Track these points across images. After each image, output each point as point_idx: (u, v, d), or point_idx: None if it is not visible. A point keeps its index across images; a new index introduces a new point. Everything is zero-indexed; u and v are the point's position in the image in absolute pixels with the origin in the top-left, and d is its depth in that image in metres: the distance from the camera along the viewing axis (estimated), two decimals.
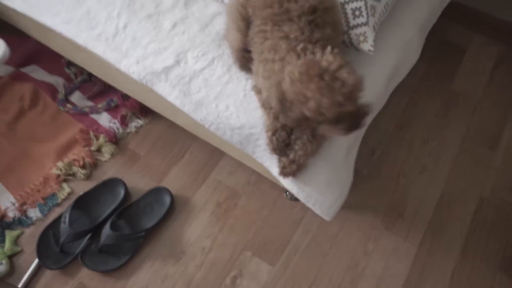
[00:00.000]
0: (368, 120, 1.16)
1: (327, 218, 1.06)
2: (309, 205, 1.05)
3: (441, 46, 1.82)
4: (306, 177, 1.03)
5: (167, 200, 1.38)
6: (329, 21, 0.91)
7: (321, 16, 0.89)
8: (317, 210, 1.05)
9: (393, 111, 1.63)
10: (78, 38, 1.21)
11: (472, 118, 1.64)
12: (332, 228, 1.40)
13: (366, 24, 1.03)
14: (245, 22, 0.99)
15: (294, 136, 0.98)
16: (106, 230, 1.27)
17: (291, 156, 0.98)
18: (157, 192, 1.40)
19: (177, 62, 1.12)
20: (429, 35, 1.42)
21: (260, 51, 0.91)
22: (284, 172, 0.99)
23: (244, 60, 1.03)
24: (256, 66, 0.94)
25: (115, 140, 1.52)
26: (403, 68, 1.28)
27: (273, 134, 0.97)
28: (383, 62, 1.14)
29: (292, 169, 0.98)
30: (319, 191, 1.03)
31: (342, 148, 1.06)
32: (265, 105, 0.97)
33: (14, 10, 1.32)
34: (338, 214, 1.42)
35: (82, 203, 1.35)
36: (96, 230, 1.31)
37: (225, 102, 1.07)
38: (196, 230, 1.38)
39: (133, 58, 1.15)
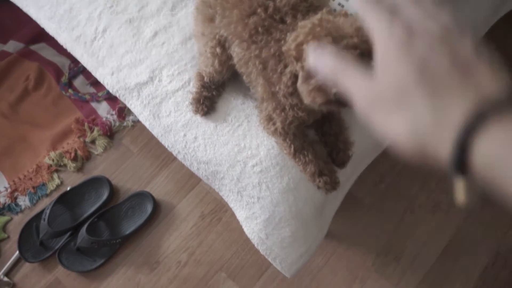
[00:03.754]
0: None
1: (287, 275, 0.96)
2: (269, 259, 0.95)
3: None
4: (269, 228, 0.92)
5: (149, 207, 1.34)
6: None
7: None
8: (277, 265, 0.95)
9: None
10: (58, 37, 1.14)
11: None
12: (317, 261, 1.29)
13: None
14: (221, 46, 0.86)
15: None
16: (82, 233, 1.26)
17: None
18: (140, 197, 1.36)
19: (151, 79, 1.02)
20: None
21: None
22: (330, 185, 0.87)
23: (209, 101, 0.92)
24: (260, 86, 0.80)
25: (110, 133, 1.48)
26: None
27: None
28: None
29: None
30: (281, 246, 0.93)
31: (314, 200, 0.93)
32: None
33: None
34: (326, 245, 1.32)
35: (67, 199, 1.35)
36: (76, 229, 1.31)
37: (194, 132, 0.97)
38: (175, 241, 1.33)
39: (108, 68, 1.06)
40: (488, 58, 0.28)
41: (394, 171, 1.38)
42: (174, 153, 1.01)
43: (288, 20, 0.72)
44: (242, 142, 0.94)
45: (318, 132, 0.91)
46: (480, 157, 0.25)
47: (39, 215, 1.34)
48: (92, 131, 1.47)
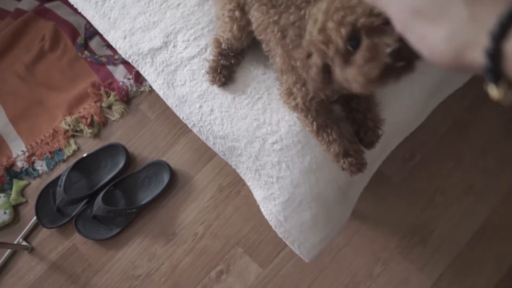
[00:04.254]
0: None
1: (305, 259, 0.90)
2: (287, 242, 0.89)
3: None
4: (288, 211, 0.86)
5: (165, 177, 1.30)
6: None
7: None
8: (295, 249, 0.89)
9: (451, 108, 1.31)
10: None
11: None
12: (338, 240, 1.24)
13: None
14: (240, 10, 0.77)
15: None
16: (98, 201, 1.24)
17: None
18: (157, 166, 1.31)
19: (165, 44, 0.94)
20: None
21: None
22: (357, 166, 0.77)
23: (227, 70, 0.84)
24: (273, 49, 0.72)
25: (127, 98, 1.42)
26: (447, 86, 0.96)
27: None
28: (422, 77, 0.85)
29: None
30: (300, 230, 0.87)
31: (338, 182, 0.86)
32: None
33: None
34: (349, 223, 1.26)
35: (83, 165, 1.32)
36: (92, 196, 1.29)
37: (210, 104, 0.90)
38: (192, 213, 1.30)
39: (121, 31, 0.99)
40: None
41: (426, 147, 1.28)
42: (189, 126, 0.94)
43: None
44: (262, 116, 0.86)
45: (345, 108, 0.81)
46: (510, 58, 0.26)
47: (55, 181, 1.32)
48: (108, 96, 1.42)
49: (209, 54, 0.89)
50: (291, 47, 0.64)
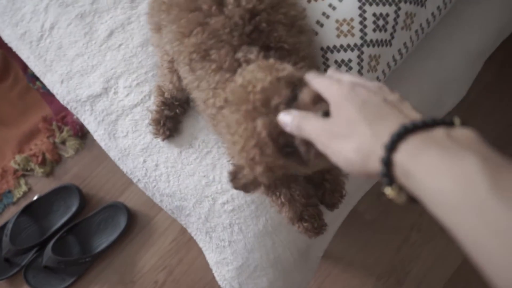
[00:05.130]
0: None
1: None
2: None
3: None
4: (242, 277, 0.78)
5: (122, 220, 1.20)
6: (279, 19, 0.57)
7: (267, 18, 0.56)
8: None
9: None
10: (2, 33, 0.96)
11: None
12: (309, 284, 1.15)
13: None
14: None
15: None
16: (48, 251, 1.14)
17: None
18: (114, 208, 1.22)
19: (105, 91, 0.85)
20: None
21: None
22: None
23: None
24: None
25: (81, 133, 1.32)
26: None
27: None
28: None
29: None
30: None
31: (297, 244, 0.77)
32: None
33: None
34: (320, 265, 1.18)
35: (33, 210, 1.22)
36: (43, 244, 1.19)
37: (155, 158, 0.81)
38: (152, 258, 1.20)
39: (57, 74, 0.89)
40: (409, 103, 0.38)
41: None
42: (134, 181, 0.85)
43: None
44: (211, 173, 0.77)
45: None
46: (398, 167, 0.33)
47: (2, 228, 1.22)
48: (61, 132, 1.32)
49: (153, 103, 0.80)
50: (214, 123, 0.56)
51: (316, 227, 0.70)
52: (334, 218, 0.81)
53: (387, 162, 0.33)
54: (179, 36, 0.58)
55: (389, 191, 0.34)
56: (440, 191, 0.30)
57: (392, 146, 0.33)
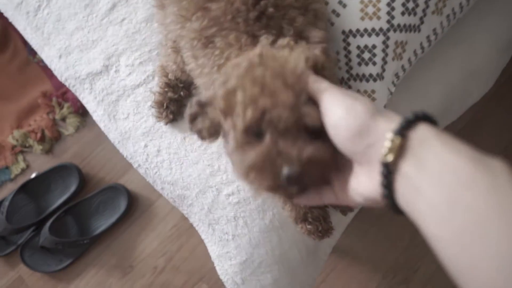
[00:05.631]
0: None
1: None
2: None
3: None
4: (246, 273, 0.73)
5: (123, 203, 1.16)
6: (290, 3, 0.50)
7: (274, 2, 0.49)
8: None
9: None
10: None
11: None
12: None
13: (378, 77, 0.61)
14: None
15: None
16: (45, 231, 1.10)
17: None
18: (114, 190, 1.17)
19: (106, 69, 0.79)
20: None
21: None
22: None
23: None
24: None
25: (82, 111, 1.27)
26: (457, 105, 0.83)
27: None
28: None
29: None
30: None
31: (305, 241, 0.73)
32: None
33: None
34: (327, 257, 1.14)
35: (31, 188, 1.18)
36: (40, 223, 1.15)
37: (157, 143, 0.75)
38: (152, 244, 1.17)
39: (55, 48, 0.83)
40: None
41: None
42: (135, 166, 0.80)
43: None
44: (216, 162, 0.72)
45: None
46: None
47: (2, 202, 1.18)
48: (61, 108, 1.26)
49: (156, 85, 0.74)
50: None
51: (321, 230, 0.65)
52: (343, 217, 0.76)
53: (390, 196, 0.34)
54: (181, 19, 0.52)
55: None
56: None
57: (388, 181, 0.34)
